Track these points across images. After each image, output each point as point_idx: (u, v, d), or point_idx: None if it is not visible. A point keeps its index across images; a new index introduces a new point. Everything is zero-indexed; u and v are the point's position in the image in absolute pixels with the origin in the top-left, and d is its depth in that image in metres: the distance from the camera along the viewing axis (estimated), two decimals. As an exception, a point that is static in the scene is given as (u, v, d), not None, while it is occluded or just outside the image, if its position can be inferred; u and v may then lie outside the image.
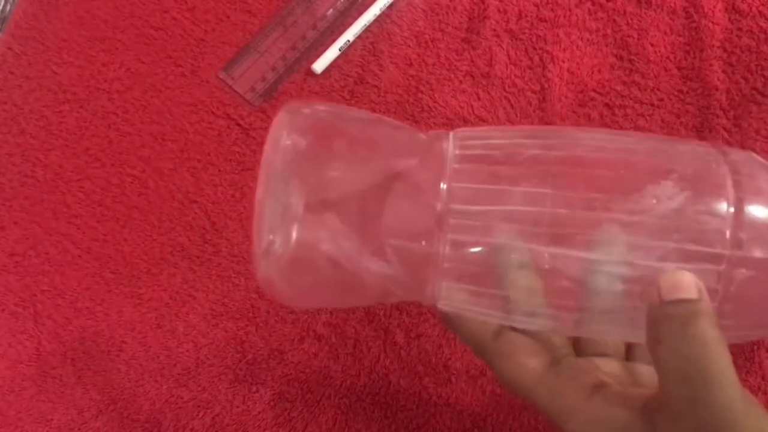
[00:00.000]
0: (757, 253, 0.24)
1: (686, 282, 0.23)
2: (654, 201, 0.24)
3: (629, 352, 0.31)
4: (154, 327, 0.47)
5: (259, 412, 0.45)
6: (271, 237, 0.26)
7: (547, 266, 0.25)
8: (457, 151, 0.26)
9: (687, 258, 0.24)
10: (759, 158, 0.26)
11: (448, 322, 0.28)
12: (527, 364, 0.26)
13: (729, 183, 0.24)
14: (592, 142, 0.27)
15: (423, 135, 0.29)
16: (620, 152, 0.26)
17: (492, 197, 0.25)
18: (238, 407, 0.45)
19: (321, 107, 0.30)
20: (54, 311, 0.48)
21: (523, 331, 0.27)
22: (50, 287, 0.48)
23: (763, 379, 0.40)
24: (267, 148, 0.26)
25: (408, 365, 0.44)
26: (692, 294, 0.23)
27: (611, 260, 0.24)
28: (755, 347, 0.40)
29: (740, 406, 0.22)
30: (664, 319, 0.23)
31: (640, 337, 0.24)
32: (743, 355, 0.40)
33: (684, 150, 0.26)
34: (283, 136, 0.26)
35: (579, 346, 0.30)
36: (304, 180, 0.26)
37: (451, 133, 0.27)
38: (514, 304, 0.26)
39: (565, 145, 0.26)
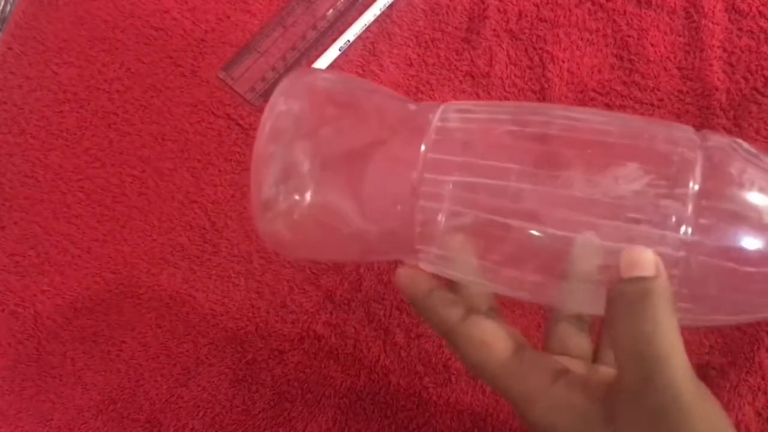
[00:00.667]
0: (716, 240, 0.24)
1: (644, 259, 0.23)
2: (616, 182, 0.25)
3: (596, 355, 0.32)
4: (154, 327, 0.47)
5: (259, 412, 0.45)
6: (271, 192, 0.28)
7: (504, 236, 0.26)
8: (439, 123, 0.28)
9: (645, 240, 0.24)
10: (744, 146, 0.26)
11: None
12: (493, 348, 0.26)
13: (698, 169, 0.24)
14: (567, 121, 0.27)
15: (413, 106, 0.30)
16: (592, 133, 0.27)
17: (461, 168, 0.27)
18: (238, 407, 0.45)
19: (322, 74, 0.32)
20: (54, 311, 0.48)
21: (490, 318, 0.28)
22: (50, 287, 0.48)
23: (763, 379, 0.40)
24: (266, 110, 0.29)
25: (408, 365, 0.44)
26: (649, 271, 0.23)
27: (566, 236, 0.25)
28: (755, 347, 0.40)
29: (690, 386, 0.22)
30: (619, 297, 0.23)
31: (599, 309, 0.25)
32: (743, 355, 0.40)
33: (659, 134, 0.27)
34: (281, 101, 0.29)
35: (543, 345, 0.31)
36: (301, 141, 0.28)
37: (441, 106, 0.29)
38: (480, 270, 0.27)
39: (540, 123, 0.27)
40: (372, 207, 0.28)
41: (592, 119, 0.27)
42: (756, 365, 0.40)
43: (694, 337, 0.41)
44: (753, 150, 0.26)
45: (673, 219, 0.24)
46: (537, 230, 0.25)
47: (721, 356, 0.41)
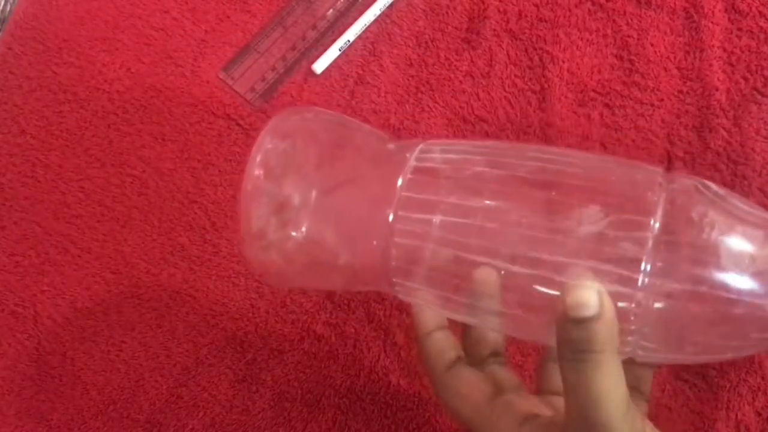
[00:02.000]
0: (675, 283, 0.24)
1: (587, 298, 0.23)
2: (577, 224, 0.26)
3: None
4: (154, 327, 0.47)
5: (259, 412, 0.45)
6: (260, 223, 0.30)
7: (470, 272, 0.27)
8: (414, 163, 0.29)
9: (603, 280, 0.25)
10: (713, 188, 0.26)
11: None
12: (470, 396, 0.29)
13: (659, 212, 0.25)
14: (538, 163, 0.28)
15: (392, 145, 0.32)
16: (558, 175, 0.28)
17: (431, 207, 0.28)
18: (238, 407, 0.45)
19: (307, 114, 0.34)
20: (54, 311, 0.48)
21: (472, 366, 0.30)
22: (50, 287, 0.49)
23: (763, 379, 0.40)
24: (254, 148, 0.31)
25: (408, 365, 0.44)
26: (593, 310, 0.23)
27: (529, 274, 0.26)
28: (755, 347, 0.40)
29: (622, 424, 0.24)
30: (565, 342, 0.24)
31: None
32: (743, 355, 0.41)
33: (625, 176, 0.27)
34: (267, 139, 0.31)
35: (538, 385, 0.33)
36: (287, 177, 0.30)
37: (420, 145, 0.30)
38: (453, 303, 0.29)
39: (509, 165, 0.29)
40: (352, 241, 0.30)
41: (562, 161, 0.28)
42: (756, 365, 0.40)
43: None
44: (721, 192, 0.26)
45: (632, 261, 0.24)
46: (503, 268, 0.26)
47: (721, 356, 0.41)
